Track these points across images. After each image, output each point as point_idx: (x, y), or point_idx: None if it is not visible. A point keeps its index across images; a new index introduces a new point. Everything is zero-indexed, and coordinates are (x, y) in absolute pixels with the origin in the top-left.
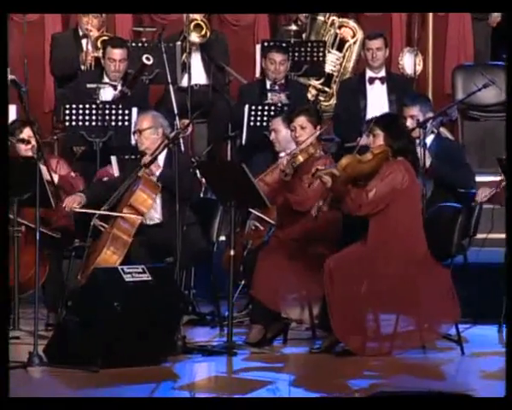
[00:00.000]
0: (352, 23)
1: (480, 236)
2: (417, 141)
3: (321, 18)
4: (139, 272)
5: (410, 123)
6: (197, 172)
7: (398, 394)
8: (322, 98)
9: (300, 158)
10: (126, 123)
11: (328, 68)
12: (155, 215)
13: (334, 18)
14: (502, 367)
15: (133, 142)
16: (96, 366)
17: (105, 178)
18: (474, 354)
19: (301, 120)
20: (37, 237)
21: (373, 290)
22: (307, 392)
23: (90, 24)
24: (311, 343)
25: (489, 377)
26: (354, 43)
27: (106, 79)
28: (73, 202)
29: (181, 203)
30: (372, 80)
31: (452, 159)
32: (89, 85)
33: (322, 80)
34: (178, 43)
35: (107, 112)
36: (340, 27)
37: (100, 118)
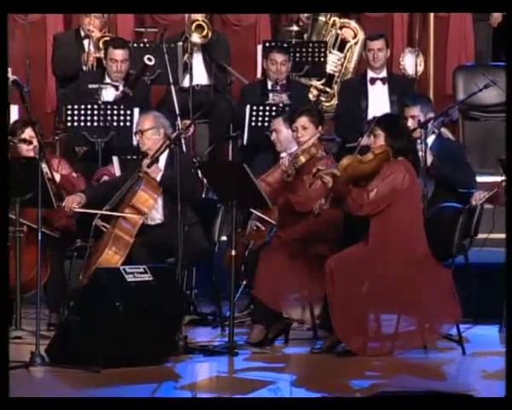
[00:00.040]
0: (353, 24)
1: (480, 236)
2: (418, 141)
3: (322, 18)
4: (141, 273)
5: (411, 123)
6: (199, 172)
7: (399, 394)
8: (323, 99)
9: (302, 159)
10: (128, 123)
11: (330, 69)
12: (157, 215)
13: (336, 18)
14: (503, 367)
15: (135, 142)
16: (97, 365)
17: (105, 177)
18: (475, 353)
19: (303, 120)
20: (40, 238)
21: (374, 290)
22: (308, 392)
23: (92, 25)
24: (313, 343)
25: (490, 377)
26: (355, 43)
27: (107, 80)
28: (73, 202)
29: (182, 204)
30: (373, 81)
31: (453, 159)
32: (90, 86)
33: (323, 81)
34: (180, 43)
35: (108, 112)
36: (341, 28)
37: (101, 118)
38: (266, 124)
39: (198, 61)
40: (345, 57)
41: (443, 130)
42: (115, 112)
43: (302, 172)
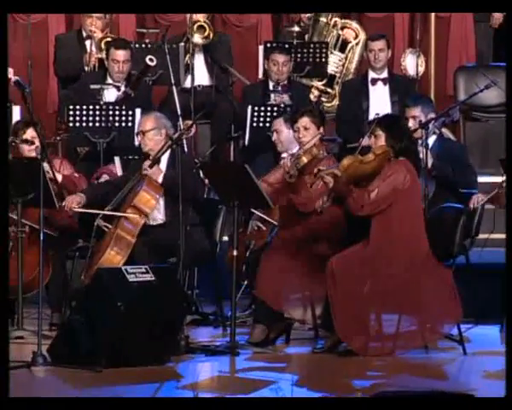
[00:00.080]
0: (354, 24)
1: (481, 236)
2: (419, 142)
3: (323, 19)
4: (143, 273)
5: (412, 124)
6: (200, 172)
7: (400, 393)
8: (324, 99)
9: (304, 159)
10: (130, 124)
11: (331, 69)
12: (159, 216)
13: (337, 19)
14: (504, 367)
15: (136, 143)
16: (99, 365)
17: (104, 176)
18: (476, 353)
19: (305, 120)
20: (41, 238)
21: (375, 290)
22: (310, 392)
23: (94, 25)
24: (314, 343)
25: (491, 377)
26: (356, 44)
27: (109, 80)
28: (73, 202)
29: (184, 204)
30: (374, 81)
31: (454, 159)
32: (92, 86)
33: (324, 81)
34: (182, 44)
35: (110, 113)
36: (342, 28)
37: (103, 119)
38: (268, 124)
39: (200, 61)
40: (346, 58)
41: (444, 130)
42: (117, 112)
43: (304, 172)
